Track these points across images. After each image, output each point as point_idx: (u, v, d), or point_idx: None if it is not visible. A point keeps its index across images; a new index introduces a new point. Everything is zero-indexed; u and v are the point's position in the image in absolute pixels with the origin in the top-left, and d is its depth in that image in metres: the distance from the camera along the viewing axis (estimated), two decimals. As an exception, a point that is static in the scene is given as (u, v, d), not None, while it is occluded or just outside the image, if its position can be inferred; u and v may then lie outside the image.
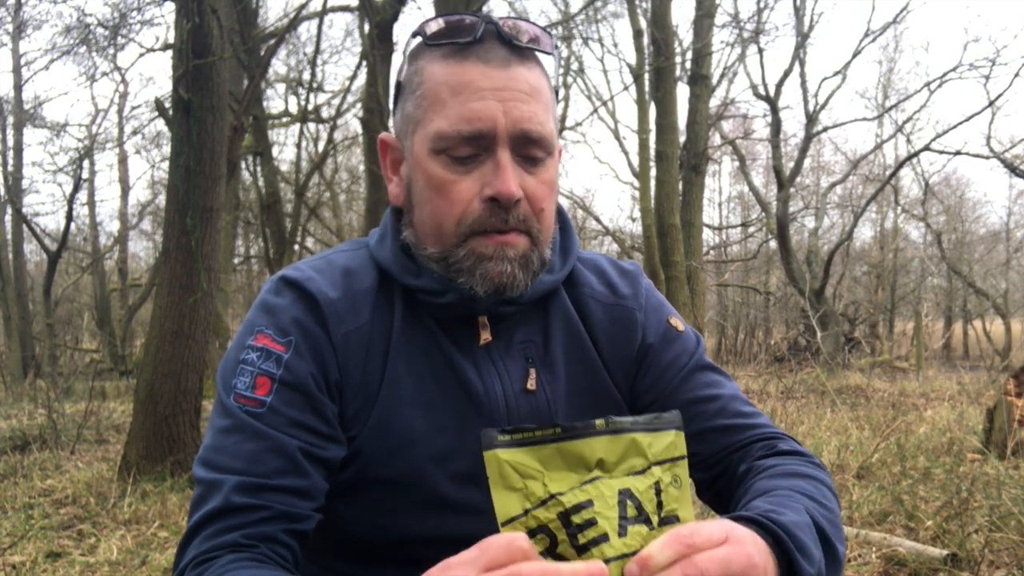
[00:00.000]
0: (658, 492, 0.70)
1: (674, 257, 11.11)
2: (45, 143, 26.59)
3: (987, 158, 13.47)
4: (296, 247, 13.63)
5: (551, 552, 0.67)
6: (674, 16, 14.75)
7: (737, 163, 18.20)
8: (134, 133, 17.45)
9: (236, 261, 17.20)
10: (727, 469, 1.01)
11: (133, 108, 19.42)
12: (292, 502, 0.89)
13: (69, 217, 16.01)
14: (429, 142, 0.93)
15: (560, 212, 1.08)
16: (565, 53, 15.56)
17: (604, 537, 0.67)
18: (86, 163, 17.53)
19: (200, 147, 4.69)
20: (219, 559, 0.84)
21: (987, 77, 13.74)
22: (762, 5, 14.95)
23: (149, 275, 17.56)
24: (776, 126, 14.72)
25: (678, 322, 1.09)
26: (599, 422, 0.70)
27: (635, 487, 0.69)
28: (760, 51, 14.56)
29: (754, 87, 15.20)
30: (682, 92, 12.52)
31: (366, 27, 10.04)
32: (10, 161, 16.67)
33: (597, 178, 43.95)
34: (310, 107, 13.91)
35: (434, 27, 0.96)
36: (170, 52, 5.66)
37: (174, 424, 4.72)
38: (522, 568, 0.63)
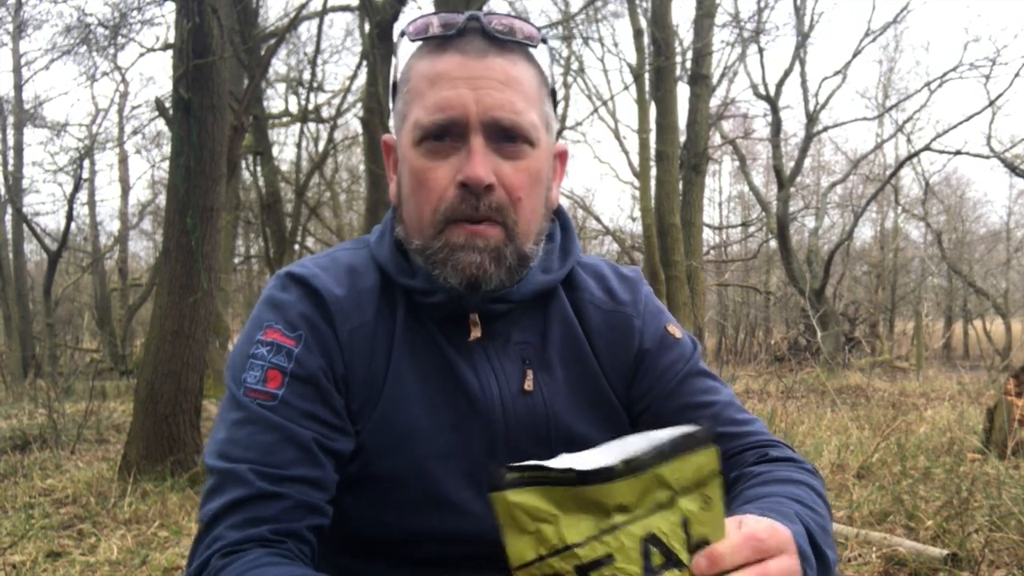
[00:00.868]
0: (686, 524, 0.64)
1: (674, 257, 11.10)
2: (45, 143, 26.60)
3: (987, 158, 13.48)
4: (296, 247, 13.63)
5: None
6: (674, 16, 14.75)
7: (737, 163, 18.21)
8: (134, 133, 17.48)
9: (236, 261, 17.19)
10: None
11: (133, 108, 19.41)
12: (309, 492, 0.90)
13: (69, 217, 16.02)
14: (410, 133, 0.95)
15: (561, 213, 1.09)
16: (565, 53, 15.57)
17: None
18: (86, 163, 17.55)
19: (200, 147, 4.69)
20: (247, 552, 0.84)
21: (987, 77, 13.77)
22: (762, 5, 14.93)
23: (149, 275, 17.56)
24: (776, 126, 14.72)
25: (675, 329, 1.09)
26: (618, 466, 0.62)
27: (660, 529, 0.63)
28: (760, 51, 14.58)
29: (754, 87, 15.21)
30: (682, 92, 12.53)
31: (366, 27, 10.04)
32: (10, 161, 16.67)
33: (597, 178, 43.99)
34: (310, 107, 13.91)
35: (418, 24, 0.97)
36: (170, 52, 5.66)
37: (174, 424, 4.72)
38: None
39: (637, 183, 13.75)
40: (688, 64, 12.94)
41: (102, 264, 19.25)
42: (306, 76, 14.71)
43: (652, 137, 11.52)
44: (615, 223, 23.63)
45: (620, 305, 1.07)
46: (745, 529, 0.67)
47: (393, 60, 1.03)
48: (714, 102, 15.29)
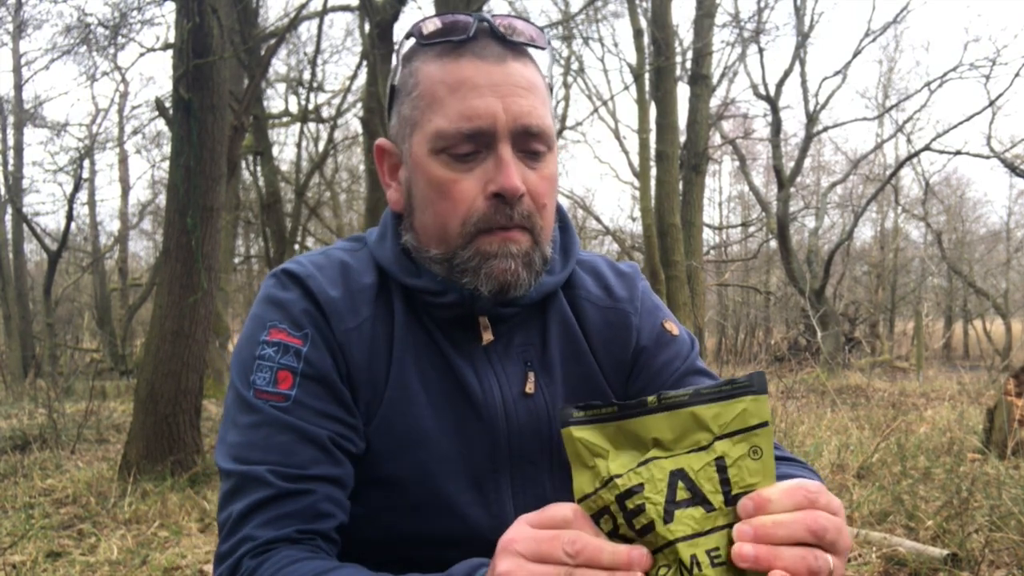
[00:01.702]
0: (722, 468, 0.67)
1: (674, 257, 11.10)
2: (45, 143, 26.62)
3: (987, 158, 13.47)
4: (296, 247, 13.62)
5: (615, 534, 0.67)
6: (674, 16, 14.76)
7: (737, 163, 18.21)
8: (134, 133, 17.47)
9: (236, 261, 17.19)
10: None
11: (133, 108, 19.44)
12: (332, 490, 0.90)
13: (69, 217, 16.00)
14: (428, 142, 0.93)
15: (561, 212, 1.08)
16: (565, 53, 15.56)
17: (651, 525, 0.66)
18: (86, 163, 17.54)
19: (200, 147, 4.69)
20: (277, 551, 0.85)
21: (987, 77, 13.76)
22: (762, 5, 14.98)
23: (149, 275, 17.56)
24: (776, 126, 14.71)
25: (673, 326, 1.09)
26: (651, 399, 0.68)
27: (690, 466, 0.67)
28: (760, 51, 14.58)
29: (754, 87, 15.22)
30: (682, 92, 12.53)
31: (366, 27, 10.04)
32: (10, 161, 16.67)
33: (597, 178, 43.90)
34: (310, 107, 13.91)
35: (428, 27, 0.95)
36: (170, 52, 5.66)
37: (174, 424, 4.72)
38: (567, 534, 0.66)
39: (637, 183, 13.76)
40: (688, 64, 12.94)
41: (102, 264, 19.25)
42: (306, 76, 14.72)
43: (652, 137, 11.52)
44: (615, 223, 23.66)
45: (617, 302, 1.06)
46: (796, 481, 0.67)
47: (393, 62, 1.02)
48: (714, 102, 15.31)
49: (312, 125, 16.00)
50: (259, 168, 12.17)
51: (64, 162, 17.08)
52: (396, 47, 1.02)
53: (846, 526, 0.68)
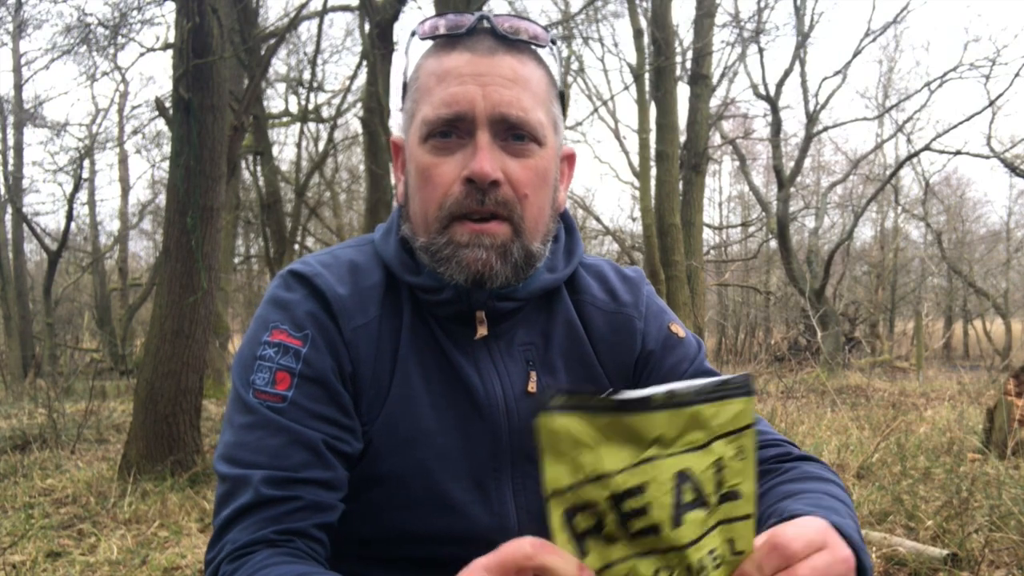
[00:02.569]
0: (719, 469, 0.66)
1: (674, 257, 11.09)
2: (45, 142, 26.60)
3: (987, 158, 13.47)
4: (296, 247, 13.62)
5: (596, 531, 0.64)
6: (674, 16, 14.76)
7: (737, 163, 18.20)
8: (134, 133, 17.47)
9: (236, 261, 17.19)
10: None
11: (133, 108, 19.41)
12: (320, 494, 0.90)
13: (69, 216, 16.00)
14: (418, 131, 0.95)
15: (566, 215, 1.09)
16: (565, 53, 15.55)
17: (656, 528, 0.64)
18: (86, 162, 17.55)
19: (200, 147, 4.69)
20: (255, 555, 0.85)
21: (987, 77, 13.75)
22: (762, 5, 14.95)
23: (149, 275, 17.56)
24: (776, 126, 14.71)
25: (679, 328, 1.09)
26: (657, 395, 0.65)
27: (694, 467, 0.65)
28: (760, 51, 14.58)
29: (754, 87, 15.21)
30: (682, 92, 12.52)
31: (366, 27, 10.03)
32: (10, 160, 16.67)
33: (597, 178, 43.83)
34: (310, 107, 13.90)
35: (429, 24, 0.97)
36: (170, 52, 5.66)
37: (174, 423, 4.72)
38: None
39: (637, 183, 13.75)
40: (688, 64, 12.93)
41: (102, 264, 19.25)
42: (306, 76, 14.71)
43: (652, 137, 11.51)
44: (615, 223, 23.63)
45: (622, 306, 1.07)
46: (773, 540, 0.67)
47: (403, 61, 1.03)
48: (714, 102, 15.29)
49: (312, 125, 16.02)
50: (259, 168, 12.17)
51: (64, 162, 17.13)
52: (401, 44, 1.04)
53: (846, 573, 0.68)
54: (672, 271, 11.01)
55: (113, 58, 14.89)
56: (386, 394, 0.96)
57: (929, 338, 18.05)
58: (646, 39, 11.93)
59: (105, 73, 15.88)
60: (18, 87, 16.56)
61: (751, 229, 21.82)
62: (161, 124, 15.37)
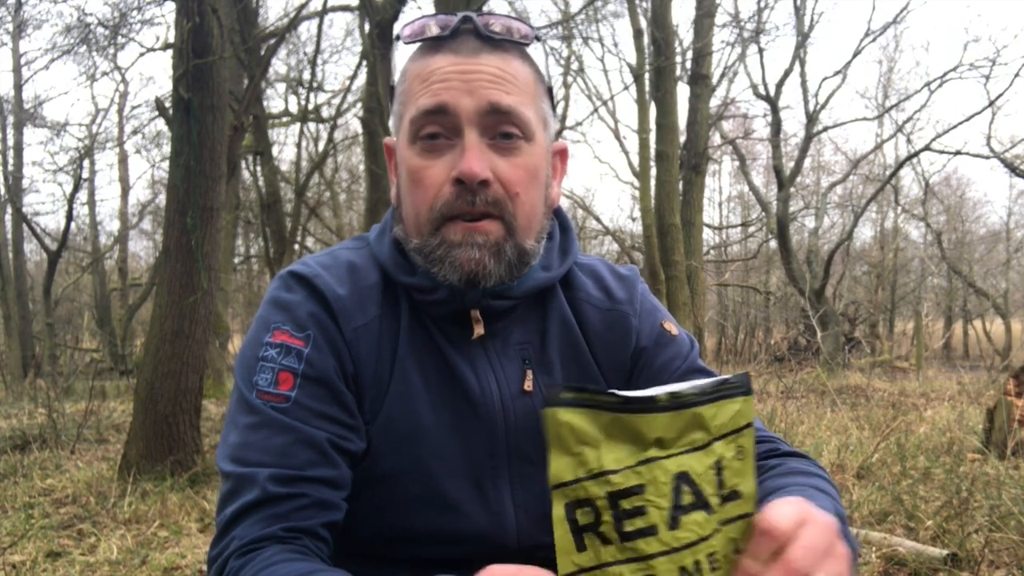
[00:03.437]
0: (719, 471, 0.66)
1: (674, 257, 11.10)
2: (45, 142, 26.62)
3: (987, 158, 13.47)
4: (296, 247, 13.62)
5: (594, 528, 0.65)
6: (674, 16, 14.76)
7: (737, 163, 18.20)
8: (134, 133, 17.47)
9: (236, 261, 17.19)
10: None
11: (133, 108, 19.43)
12: (325, 492, 0.90)
13: (69, 216, 16.01)
14: (406, 133, 0.95)
15: (560, 213, 1.09)
16: (565, 53, 15.56)
17: (652, 530, 0.64)
18: (86, 162, 17.56)
19: (200, 146, 4.69)
20: (263, 551, 0.85)
21: (987, 77, 13.73)
22: (762, 5, 14.94)
23: (149, 274, 17.56)
24: (776, 126, 14.71)
25: (672, 326, 1.10)
26: (661, 396, 0.66)
27: (693, 469, 0.65)
28: (760, 51, 14.56)
29: (754, 87, 15.20)
30: (682, 92, 12.52)
31: (366, 26, 10.04)
32: (10, 160, 16.68)
33: (597, 178, 43.98)
34: (310, 107, 13.91)
35: (413, 28, 0.97)
36: (170, 52, 5.66)
37: (174, 423, 4.72)
38: None
39: (637, 183, 13.75)
40: (688, 64, 12.94)
41: (102, 264, 19.26)
42: (306, 76, 14.71)
43: (652, 137, 11.52)
44: (615, 223, 23.65)
45: (617, 304, 1.07)
46: (758, 526, 0.67)
47: (392, 63, 1.03)
48: (714, 102, 15.30)
49: (312, 125, 16.03)
50: (259, 168, 12.17)
51: (64, 162, 17.14)
52: (393, 49, 1.03)
53: (832, 538, 0.67)
54: (672, 271, 11.01)
55: (113, 58, 14.90)
56: (385, 393, 0.96)
57: (929, 338, 18.05)
58: (646, 39, 11.94)
59: (105, 73, 15.90)
60: (18, 87, 16.57)
61: (751, 229, 21.83)
62: (161, 124, 15.37)
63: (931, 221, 19.95)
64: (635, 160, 15.00)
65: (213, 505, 4.02)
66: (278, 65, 15.72)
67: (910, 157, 15.34)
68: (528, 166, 0.95)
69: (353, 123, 17.28)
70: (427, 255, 0.94)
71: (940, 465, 4.35)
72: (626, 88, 12.83)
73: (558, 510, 0.65)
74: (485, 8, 7.14)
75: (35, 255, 22.09)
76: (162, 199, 16.06)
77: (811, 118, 15.05)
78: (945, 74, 14.62)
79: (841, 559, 0.67)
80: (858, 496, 3.77)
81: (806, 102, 15.11)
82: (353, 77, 13.69)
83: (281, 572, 0.80)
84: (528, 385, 1.00)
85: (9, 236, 16.33)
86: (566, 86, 16.39)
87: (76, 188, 16.40)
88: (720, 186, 26.20)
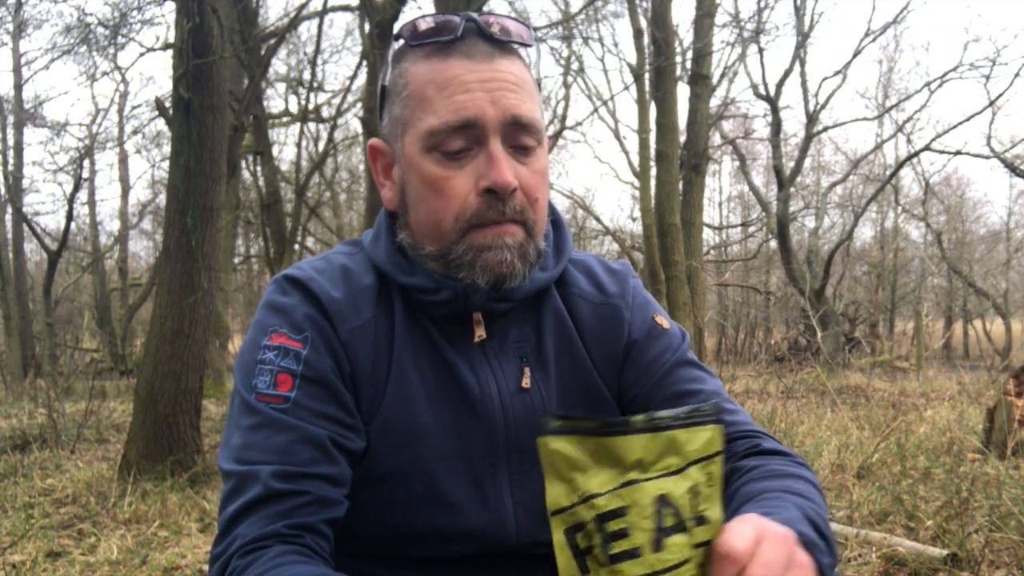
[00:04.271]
0: (695, 495, 0.68)
1: (674, 257, 11.09)
2: (45, 142, 26.63)
3: (987, 158, 13.48)
4: (296, 247, 13.62)
5: (588, 553, 0.66)
6: (674, 16, 14.77)
7: (737, 163, 18.21)
8: (134, 132, 17.47)
9: (236, 261, 17.19)
10: None
11: (133, 108, 19.45)
12: (327, 489, 0.91)
13: (69, 216, 16.02)
14: (420, 141, 0.94)
15: (554, 210, 1.10)
16: (565, 53, 15.56)
17: (635, 552, 0.65)
18: (86, 162, 17.57)
19: (200, 146, 4.69)
20: (268, 549, 0.85)
21: (987, 77, 13.73)
22: (762, 5, 14.92)
23: (149, 274, 17.57)
24: (776, 126, 14.71)
25: (663, 319, 1.10)
26: (638, 419, 0.68)
27: (672, 492, 0.67)
28: (760, 51, 14.57)
29: (754, 87, 15.21)
30: (682, 92, 12.51)
31: (366, 26, 10.04)
32: (10, 160, 16.69)
33: (597, 178, 43.94)
34: (310, 107, 13.91)
35: (417, 28, 0.97)
36: (170, 52, 5.66)
37: (174, 423, 4.72)
38: None
39: (637, 183, 13.76)
40: (688, 64, 12.93)
41: (102, 264, 19.27)
42: (306, 76, 14.71)
43: (652, 137, 11.51)
44: (615, 223, 23.65)
45: (609, 297, 1.08)
46: (717, 551, 0.67)
47: (386, 64, 1.03)
48: (714, 102, 15.29)
49: (312, 125, 16.02)
50: (259, 168, 12.17)
51: (64, 162, 17.14)
52: (388, 49, 1.03)
53: (791, 549, 0.68)
54: (672, 271, 11.01)
55: (113, 58, 14.90)
56: (383, 393, 0.97)
57: (929, 338, 18.06)
58: (646, 39, 11.93)
59: (105, 73, 15.91)
60: (18, 87, 16.57)
61: (751, 229, 21.83)
62: (161, 124, 15.37)
63: (931, 221, 19.96)
64: (635, 160, 15.02)
65: (213, 505, 4.02)
66: (278, 65, 15.74)
67: (910, 157, 15.34)
68: (543, 170, 0.98)
69: (353, 123, 17.30)
70: (450, 261, 0.95)
71: (940, 465, 4.35)
72: (626, 88, 12.84)
73: (558, 536, 0.67)
74: (485, 8, 7.14)
75: (35, 255, 22.11)
76: (162, 199, 16.07)
77: (811, 118, 15.05)
78: (945, 74, 14.64)
79: (803, 568, 0.68)
80: (858, 496, 3.77)
81: (806, 102, 15.13)
82: (353, 77, 13.71)
83: (287, 574, 0.80)
84: (526, 383, 1.00)
85: (9, 236, 16.33)
86: (566, 86, 16.41)
87: (76, 188, 16.41)
88: (720, 186, 26.23)
